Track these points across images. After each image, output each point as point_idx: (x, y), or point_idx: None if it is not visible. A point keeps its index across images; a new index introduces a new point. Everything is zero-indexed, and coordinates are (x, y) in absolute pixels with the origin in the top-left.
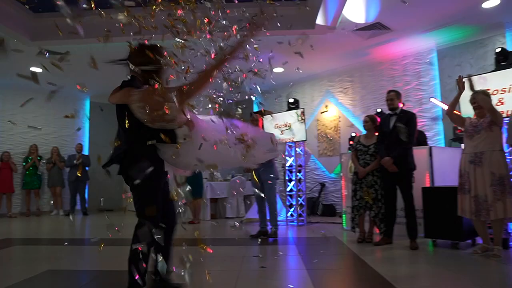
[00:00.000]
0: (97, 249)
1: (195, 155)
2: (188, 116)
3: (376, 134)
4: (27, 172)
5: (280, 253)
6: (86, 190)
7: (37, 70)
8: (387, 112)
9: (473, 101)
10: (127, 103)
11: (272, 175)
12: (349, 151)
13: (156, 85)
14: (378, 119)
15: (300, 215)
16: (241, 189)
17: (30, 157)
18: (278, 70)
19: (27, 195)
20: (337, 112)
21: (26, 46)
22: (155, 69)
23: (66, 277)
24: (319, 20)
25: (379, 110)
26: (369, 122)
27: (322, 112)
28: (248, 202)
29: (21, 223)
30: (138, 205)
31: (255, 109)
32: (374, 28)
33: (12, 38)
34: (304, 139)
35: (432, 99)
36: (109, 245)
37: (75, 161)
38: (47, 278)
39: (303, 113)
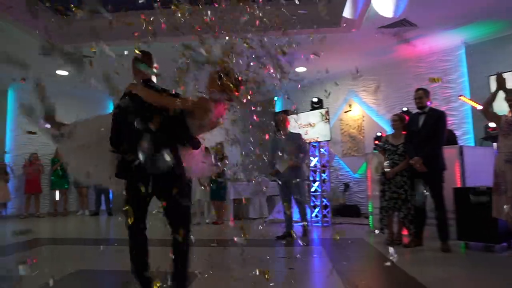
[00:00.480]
0: (124, 249)
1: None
2: None
3: (404, 133)
4: (55, 173)
5: (313, 255)
6: (111, 191)
7: (64, 73)
8: (414, 111)
9: (508, 98)
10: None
11: (300, 177)
12: (375, 151)
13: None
14: (406, 118)
15: (324, 216)
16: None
17: (57, 159)
18: (300, 69)
19: (54, 195)
20: (361, 112)
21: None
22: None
23: (99, 277)
24: (344, 19)
25: (405, 109)
26: (398, 121)
27: (345, 112)
28: (271, 204)
29: (49, 223)
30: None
31: (278, 109)
32: (400, 25)
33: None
34: (329, 139)
35: (460, 97)
36: None
37: None
38: (80, 278)
39: (327, 112)
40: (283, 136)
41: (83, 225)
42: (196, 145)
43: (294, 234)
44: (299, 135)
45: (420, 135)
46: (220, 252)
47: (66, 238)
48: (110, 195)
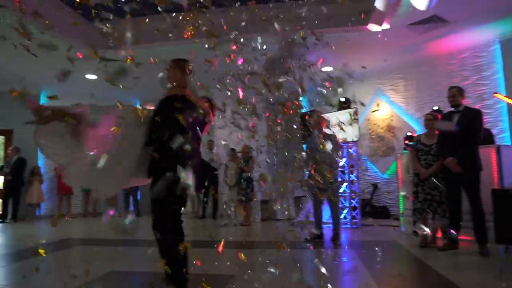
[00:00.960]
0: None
1: None
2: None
3: (437, 132)
4: None
5: (344, 258)
6: (138, 192)
7: (93, 77)
8: (444, 109)
9: None
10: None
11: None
12: (404, 151)
13: None
14: (439, 117)
15: (353, 217)
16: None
17: None
18: (327, 69)
19: (86, 196)
20: (389, 111)
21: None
22: None
23: (131, 278)
24: (373, 17)
25: (435, 107)
26: (433, 120)
27: (373, 111)
28: (300, 205)
29: (80, 224)
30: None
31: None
32: (430, 21)
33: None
34: (357, 139)
35: (496, 94)
36: None
37: None
38: (112, 279)
39: (355, 112)
40: (318, 137)
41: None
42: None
43: (323, 236)
44: (334, 136)
45: (455, 134)
46: (249, 254)
47: (96, 238)
48: (138, 196)
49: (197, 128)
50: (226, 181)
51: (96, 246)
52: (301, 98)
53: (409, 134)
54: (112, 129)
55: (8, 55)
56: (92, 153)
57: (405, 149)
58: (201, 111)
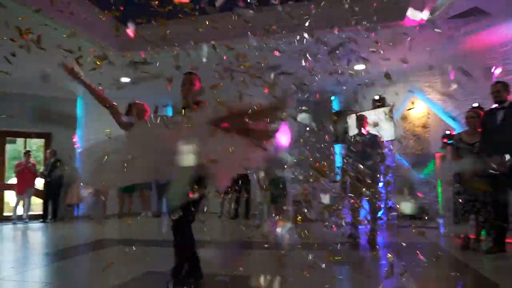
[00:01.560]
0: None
1: None
2: None
3: (480, 130)
4: None
5: (384, 261)
6: None
7: (126, 80)
8: (485, 106)
9: None
10: None
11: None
12: (442, 150)
13: None
14: (481, 114)
15: (390, 219)
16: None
17: None
18: (359, 67)
19: (121, 198)
20: (425, 109)
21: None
22: None
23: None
24: (410, 11)
25: (475, 104)
26: (476, 117)
27: (408, 109)
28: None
29: (115, 225)
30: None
31: (336, 108)
32: (470, 14)
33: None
34: (393, 138)
35: None
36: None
37: None
38: (149, 279)
39: (391, 110)
40: (360, 137)
41: (146, 226)
42: None
43: (359, 237)
44: (377, 136)
45: (499, 131)
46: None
47: (132, 239)
48: None
49: None
50: (258, 182)
51: (132, 246)
52: (333, 97)
53: (447, 132)
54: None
55: (49, 62)
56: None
57: (443, 147)
58: None
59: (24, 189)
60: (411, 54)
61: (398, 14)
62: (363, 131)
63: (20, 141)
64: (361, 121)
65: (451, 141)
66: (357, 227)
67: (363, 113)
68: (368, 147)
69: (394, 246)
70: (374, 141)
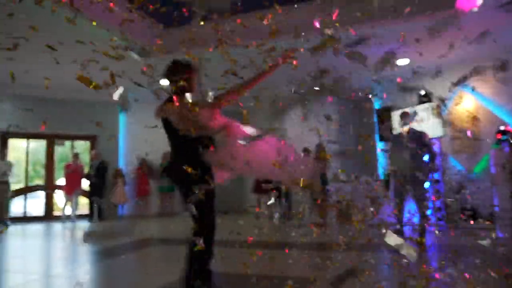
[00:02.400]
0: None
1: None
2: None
3: None
4: (162, 177)
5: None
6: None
7: (166, 82)
8: None
9: None
10: (164, 116)
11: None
12: (495, 146)
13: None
14: None
15: (438, 219)
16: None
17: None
18: (403, 61)
19: (162, 197)
20: (474, 103)
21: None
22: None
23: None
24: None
25: None
26: None
27: (456, 105)
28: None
29: (157, 224)
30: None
31: (377, 106)
32: None
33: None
34: (441, 134)
35: None
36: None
37: None
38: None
39: (439, 106)
40: (404, 134)
41: (187, 226)
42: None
43: (405, 236)
44: (423, 133)
45: None
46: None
47: (175, 238)
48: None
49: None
50: (312, 185)
51: (175, 245)
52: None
53: (502, 128)
54: None
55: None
56: None
57: (497, 143)
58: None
59: (72, 190)
60: (458, 46)
61: (446, 3)
62: (407, 128)
63: (67, 143)
64: (405, 118)
65: (506, 137)
66: (402, 226)
67: (407, 109)
68: (413, 145)
69: (444, 247)
70: (419, 138)
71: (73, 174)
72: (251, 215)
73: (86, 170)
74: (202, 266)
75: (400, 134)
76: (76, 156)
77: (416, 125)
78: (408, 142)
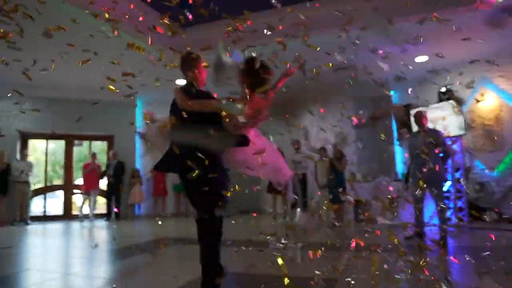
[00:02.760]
0: (245, 251)
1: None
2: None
3: None
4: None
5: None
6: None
7: (182, 82)
8: None
9: None
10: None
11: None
12: None
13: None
14: None
15: (460, 219)
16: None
17: None
18: (421, 59)
19: (177, 197)
20: (497, 101)
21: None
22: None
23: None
24: None
25: None
26: None
27: (477, 102)
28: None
29: (172, 223)
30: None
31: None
32: None
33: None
34: (463, 132)
35: None
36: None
37: None
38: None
39: (460, 103)
40: (420, 133)
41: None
42: (242, 143)
43: (425, 236)
44: (439, 132)
45: None
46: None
47: (190, 238)
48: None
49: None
50: (316, 181)
51: (191, 245)
52: (392, 92)
53: None
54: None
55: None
56: None
57: None
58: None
59: (90, 189)
60: (478, 42)
61: None
62: (423, 127)
63: (85, 144)
64: (419, 118)
65: None
66: (423, 226)
67: (422, 108)
68: (429, 144)
69: (466, 249)
70: (435, 137)
71: (91, 173)
72: (268, 215)
73: (103, 169)
74: (212, 262)
75: (416, 134)
76: (94, 156)
77: (430, 124)
78: (424, 141)
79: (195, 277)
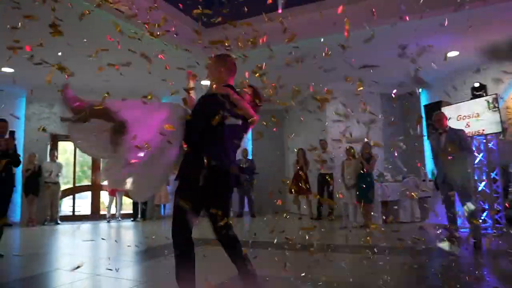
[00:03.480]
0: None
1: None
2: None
3: None
4: None
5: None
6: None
7: (205, 83)
8: None
9: None
10: None
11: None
12: None
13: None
14: None
15: (497, 222)
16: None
17: None
18: (452, 54)
19: None
20: None
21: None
22: None
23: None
24: None
25: None
26: None
27: None
28: (422, 206)
29: (198, 224)
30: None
31: (424, 102)
32: None
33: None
34: (499, 130)
35: None
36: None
37: (242, 165)
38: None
39: (495, 99)
40: (442, 134)
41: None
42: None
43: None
44: (460, 131)
45: None
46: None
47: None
48: (253, 197)
49: (236, 130)
50: (344, 181)
51: (217, 246)
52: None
53: None
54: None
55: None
56: (129, 157)
57: None
58: (241, 111)
59: (117, 190)
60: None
61: None
62: (443, 128)
63: None
64: (440, 119)
65: None
66: (456, 228)
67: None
68: (451, 144)
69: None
70: (457, 137)
71: None
72: (295, 216)
73: None
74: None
75: (438, 135)
76: None
77: (451, 124)
78: (446, 142)
79: (224, 279)
